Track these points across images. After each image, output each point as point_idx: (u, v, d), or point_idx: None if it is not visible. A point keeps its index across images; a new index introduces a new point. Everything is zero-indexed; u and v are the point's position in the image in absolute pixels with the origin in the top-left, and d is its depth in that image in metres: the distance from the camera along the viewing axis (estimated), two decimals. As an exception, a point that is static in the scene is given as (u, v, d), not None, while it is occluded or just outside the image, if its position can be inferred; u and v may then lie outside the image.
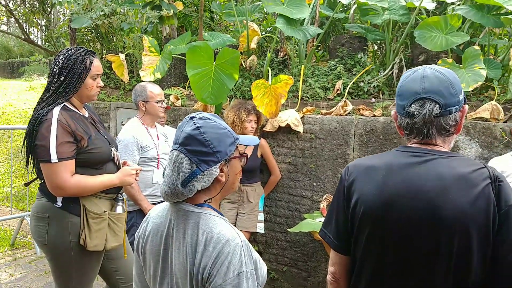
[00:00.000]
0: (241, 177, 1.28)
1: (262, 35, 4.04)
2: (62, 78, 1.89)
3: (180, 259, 1.10)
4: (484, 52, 3.14)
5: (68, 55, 1.90)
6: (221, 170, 1.15)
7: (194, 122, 1.14)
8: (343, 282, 1.27)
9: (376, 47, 3.89)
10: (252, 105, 3.20)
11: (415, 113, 1.11)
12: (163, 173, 1.18)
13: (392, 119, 1.24)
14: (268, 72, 3.42)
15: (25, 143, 1.90)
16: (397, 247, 1.11)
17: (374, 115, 3.11)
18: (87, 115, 2.05)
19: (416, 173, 1.11)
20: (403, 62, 3.29)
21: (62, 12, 12.14)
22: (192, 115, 1.17)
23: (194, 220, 1.12)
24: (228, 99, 3.75)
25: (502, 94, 2.85)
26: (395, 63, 3.31)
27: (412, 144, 1.19)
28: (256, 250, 3.51)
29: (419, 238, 1.08)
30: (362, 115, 3.16)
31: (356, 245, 1.20)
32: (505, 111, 2.78)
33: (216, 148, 1.12)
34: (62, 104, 1.90)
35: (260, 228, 3.26)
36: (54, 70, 1.90)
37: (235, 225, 3.24)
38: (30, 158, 1.91)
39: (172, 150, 1.16)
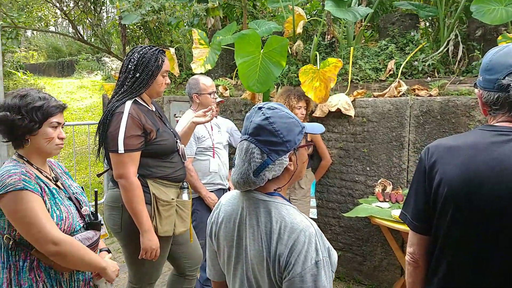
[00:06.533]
0: None
1: (307, 19, 3.99)
2: (138, 75, 2.01)
3: (256, 246, 1.13)
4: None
5: (142, 53, 2.02)
6: (290, 159, 1.16)
7: (263, 112, 1.16)
8: (422, 262, 1.29)
9: (427, 24, 3.71)
10: (301, 91, 3.19)
11: (510, 84, 1.11)
12: (234, 162, 1.22)
13: (477, 96, 1.23)
14: (316, 56, 3.38)
15: (98, 133, 2.04)
16: (481, 226, 1.11)
17: (431, 95, 2.99)
18: (154, 109, 2.16)
19: (502, 151, 1.10)
20: (459, 38, 3.13)
21: (105, 10, 12.62)
22: (259, 105, 1.20)
23: (266, 208, 1.15)
24: (276, 86, 3.76)
25: None
26: (450, 39, 3.16)
27: (497, 122, 1.18)
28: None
29: (505, 216, 1.08)
30: (418, 95, 3.06)
31: (439, 225, 1.21)
32: None
33: (285, 138, 1.14)
34: (134, 99, 2.02)
35: (313, 213, 3.27)
36: (129, 66, 2.02)
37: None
38: (101, 147, 2.05)
39: (241, 140, 1.19)
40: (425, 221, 1.24)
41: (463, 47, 3.12)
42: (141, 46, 2.07)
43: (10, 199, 1.41)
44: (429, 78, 3.14)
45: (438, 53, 3.17)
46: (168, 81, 2.15)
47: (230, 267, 1.24)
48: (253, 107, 1.21)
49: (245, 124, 1.20)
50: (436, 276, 1.23)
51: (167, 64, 2.09)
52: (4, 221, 1.47)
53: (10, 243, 1.46)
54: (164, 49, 2.11)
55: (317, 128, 1.30)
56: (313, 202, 3.34)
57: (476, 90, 1.23)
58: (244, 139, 1.17)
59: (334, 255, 1.15)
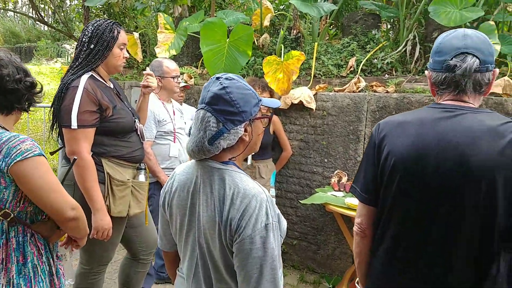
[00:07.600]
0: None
1: (274, 13, 4.04)
2: (92, 46, 1.96)
3: (209, 212, 1.15)
4: (498, 29, 3.12)
5: (97, 25, 1.98)
6: (245, 130, 1.19)
7: (220, 82, 1.18)
8: (368, 231, 1.36)
9: (389, 25, 3.88)
10: (266, 82, 3.23)
11: (456, 65, 1.19)
12: (189, 132, 1.23)
13: (427, 77, 1.32)
14: (281, 49, 3.44)
15: (52, 107, 1.97)
16: (424, 199, 1.18)
17: (387, 92, 3.13)
18: (112, 86, 2.11)
19: (447, 126, 1.18)
20: (417, 39, 3.29)
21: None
22: (218, 75, 1.21)
23: (220, 176, 1.17)
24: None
25: (515, 70, 2.85)
26: (408, 40, 3.31)
27: (444, 101, 1.26)
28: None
29: (448, 187, 1.15)
30: (375, 91, 3.18)
31: (384, 197, 1.28)
32: (519, 87, 2.79)
33: (241, 108, 1.16)
34: (90, 74, 1.96)
35: (272, 202, 3.32)
36: (84, 39, 1.97)
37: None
38: (55, 122, 1.98)
39: (198, 110, 1.20)
40: (373, 193, 1.31)
41: (420, 48, 3.28)
42: (96, 20, 2.03)
43: (29, 165, 1.32)
44: (387, 76, 3.28)
45: (397, 53, 3.32)
46: (127, 55, 2.10)
47: (182, 235, 1.25)
48: (211, 77, 1.22)
49: (202, 93, 1.21)
50: (381, 246, 1.30)
51: (123, 36, 2.05)
52: (9, 192, 1.35)
53: (9, 218, 1.36)
54: (119, 23, 2.07)
55: (274, 102, 1.34)
56: (273, 192, 3.39)
57: (426, 72, 1.32)
58: (201, 108, 1.19)
59: (284, 222, 1.19)
